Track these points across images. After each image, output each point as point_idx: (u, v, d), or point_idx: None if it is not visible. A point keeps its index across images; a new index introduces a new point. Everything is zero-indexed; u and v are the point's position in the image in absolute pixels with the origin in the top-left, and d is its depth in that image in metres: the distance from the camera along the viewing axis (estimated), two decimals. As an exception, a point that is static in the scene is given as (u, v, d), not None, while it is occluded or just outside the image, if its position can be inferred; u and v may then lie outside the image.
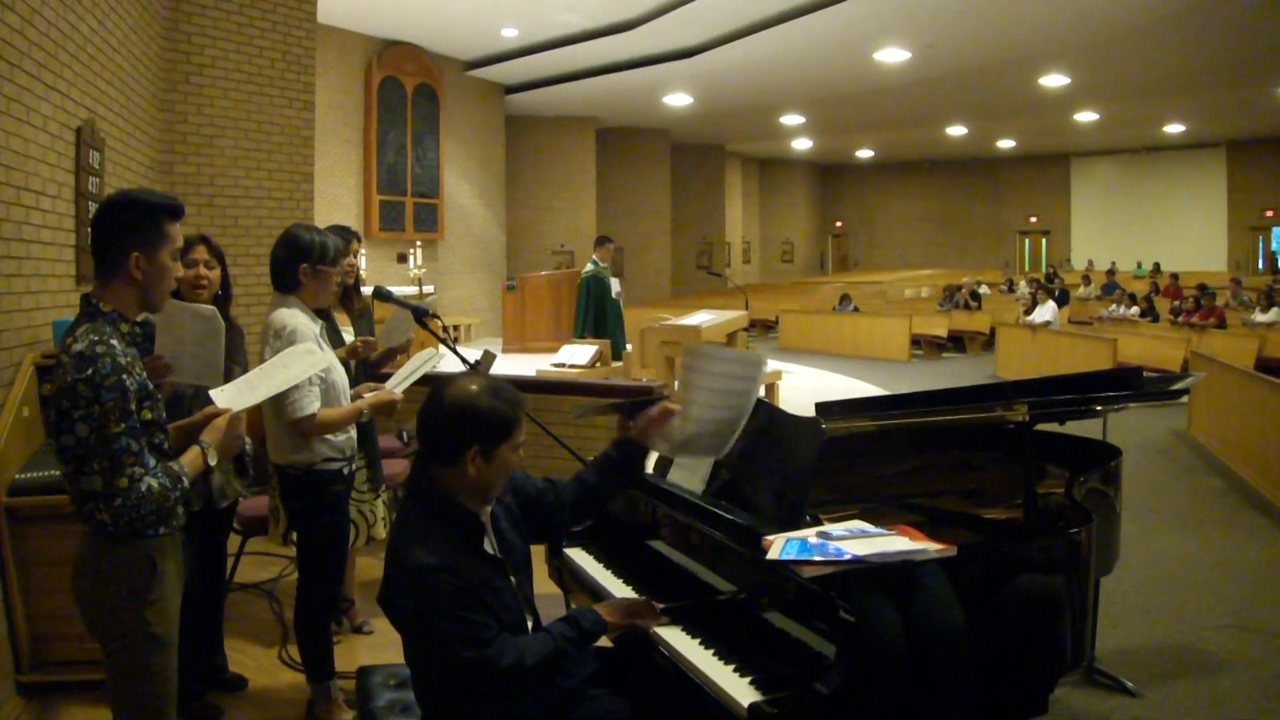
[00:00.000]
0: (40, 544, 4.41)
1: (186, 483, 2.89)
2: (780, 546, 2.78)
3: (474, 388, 2.81)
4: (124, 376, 2.73)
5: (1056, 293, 19.97)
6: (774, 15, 16.16)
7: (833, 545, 2.74)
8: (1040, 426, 3.87)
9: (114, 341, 2.76)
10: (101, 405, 2.68)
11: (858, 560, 2.66)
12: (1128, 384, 3.83)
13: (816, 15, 15.58)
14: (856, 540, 2.78)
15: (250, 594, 6.02)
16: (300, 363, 3.58)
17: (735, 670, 2.78)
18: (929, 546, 2.73)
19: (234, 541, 5.40)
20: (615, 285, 13.10)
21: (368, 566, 6.26)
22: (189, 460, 2.94)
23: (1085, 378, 4.06)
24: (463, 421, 2.75)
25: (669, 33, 17.51)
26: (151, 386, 2.89)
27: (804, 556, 2.71)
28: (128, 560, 2.82)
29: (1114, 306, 19.89)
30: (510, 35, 18.30)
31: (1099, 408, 3.93)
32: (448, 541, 2.74)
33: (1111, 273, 26.65)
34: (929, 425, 3.67)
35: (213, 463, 3.01)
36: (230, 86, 8.26)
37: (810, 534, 2.85)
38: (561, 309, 18.37)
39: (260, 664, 5.05)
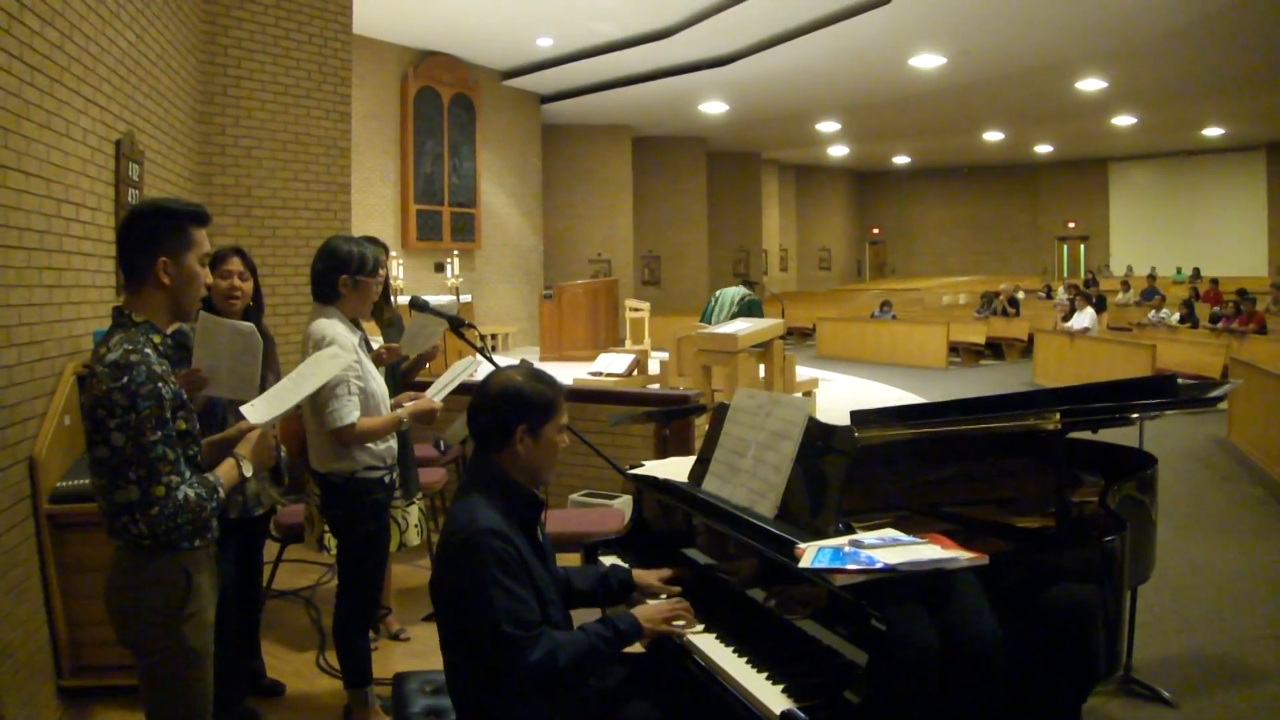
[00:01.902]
0: (81, 550, 4.48)
1: (222, 493, 2.90)
2: (812, 555, 2.78)
3: (516, 374, 3.05)
4: (159, 385, 2.73)
5: (1094, 299, 19.81)
6: (809, 22, 16.15)
7: (864, 553, 2.74)
8: (1076, 434, 3.85)
9: (148, 350, 2.77)
10: (138, 413, 2.68)
11: (889, 569, 2.66)
12: (1161, 391, 3.80)
13: (851, 22, 15.56)
14: (888, 549, 2.78)
15: (289, 600, 6.07)
16: (325, 367, 3.60)
17: (768, 678, 2.78)
18: (960, 555, 2.72)
19: (273, 548, 5.46)
20: None
21: (403, 574, 6.29)
22: (224, 472, 2.95)
23: (1118, 385, 4.03)
24: (509, 403, 2.96)
25: (704, 41, 17.54)
26: (185, 397, 2.90)
27: (835, 565, 2.71)
28: (163, 574, 2.82)
29: (1155, 312, 19.73)
30: (545, 45, 18.39)
31: (1133, 415, 3.89)
32: (508, 518, 2.89)
33: (1151, 278, 26.40)
34: (960, 434, 3.64)
35: (247, 474, 3.03)
36: (267, 98, 8.34)
37: (842, 542, 2.85)
38: (599, 318, 18.44)
39: (298, 670, 5.09)
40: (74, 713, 4.47)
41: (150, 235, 2.86)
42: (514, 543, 2.82)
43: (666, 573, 3.47)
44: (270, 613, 5.65)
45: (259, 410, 3.21)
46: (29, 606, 4.25)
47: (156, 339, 2.86)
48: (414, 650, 5.29)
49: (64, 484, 4.49)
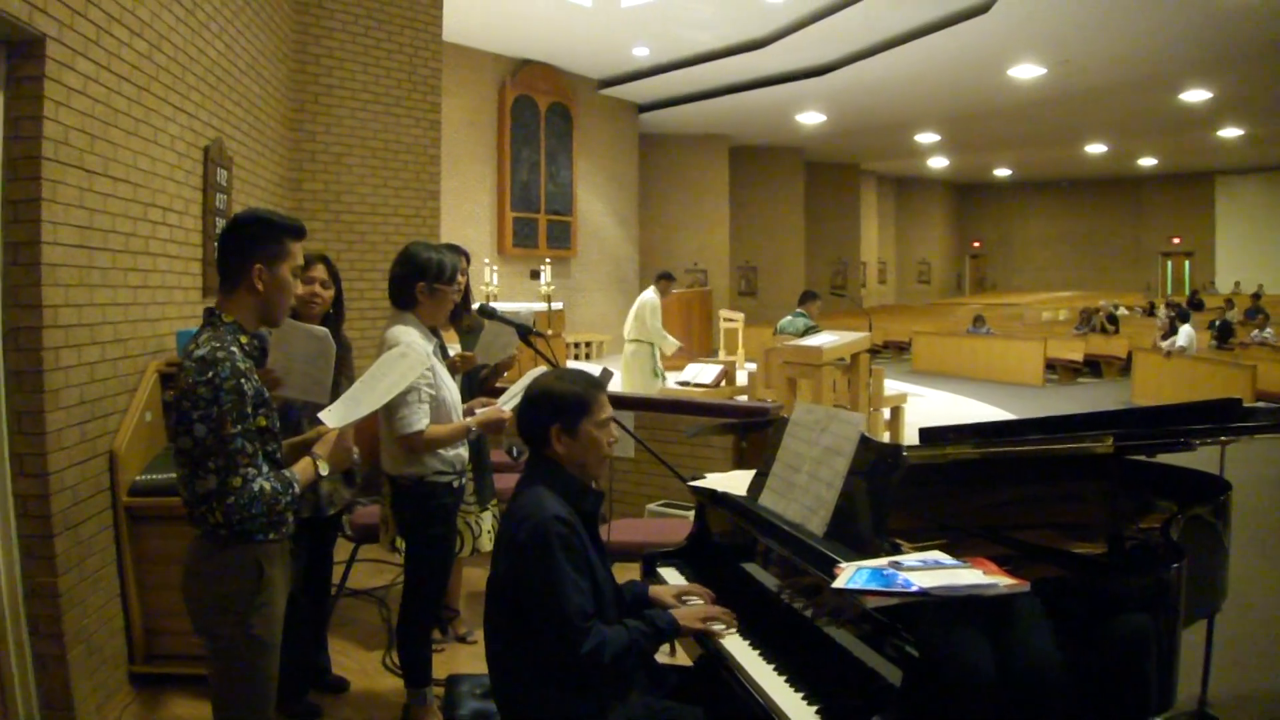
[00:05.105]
0: (156, 542, 4.63)
1: (297, 489, 3.01)
2: (849, 574, 2.74)
3: (550, 377, 3.18)
4: (242, 380, 2.87)
5: (1215, 324, 19.31)
6: (906, 32, 16.03)
7: (902, 576, 2.69)
8: (1151, 459, 3.79)
9: (234, 349, 2.91)
10: (220, 406, 2.82)
11: (922, 592, 2.60)
12: (1226, 416, 3.70)
13: (949, 31, 15.41)
14: (927, 571, 2.72)
15: (361, 599, 6.17)
16: (397, 368, 3.68)
17: (804, 698, 2.78)
18: (1000, 581, 2.64)
19: (348, 548, 5.56)
20: None
21: (474, 578, 6.35)
22: (301, 469, 3.09)
23: (1182, 409, 3.93)
24: (542, 405, 3.07)
25: (801, 50, 17.48)
26: (267, 395, 3.03)
27: (871, 586, 2.67)
28: (236, 564, 2.94)
29: (1257, 331, 19.24)
30: (642, 54, 18.48)
31: (1197, 441, 3.78)
32: (570, 509, 2.99)
33: (1256, 296, 25.59)
34: (1016, 455, 3.58)
35: (324, 473, 3.16)
36: (358, 106, 8.50)
37: (882, 563, 2.81)
38: (692, 327, 18.44)
39: (363, 668, 5.18)
40: (144, 697, 4.61)
41: (249, 242, 3.03)
42: (579, 532, 2.92)
43: (688, 588, 3.51)
44: (343, 611, 5.77)
45: (336, 414, 3.33)
46: (104, 594, 4.41)
47: (243, 339, 3.00)
48: (478, 653, 5.32)
49: (142, 478, 4.64)
